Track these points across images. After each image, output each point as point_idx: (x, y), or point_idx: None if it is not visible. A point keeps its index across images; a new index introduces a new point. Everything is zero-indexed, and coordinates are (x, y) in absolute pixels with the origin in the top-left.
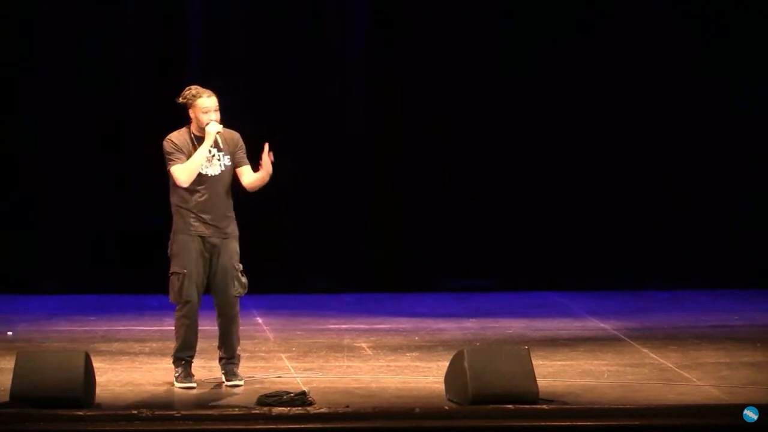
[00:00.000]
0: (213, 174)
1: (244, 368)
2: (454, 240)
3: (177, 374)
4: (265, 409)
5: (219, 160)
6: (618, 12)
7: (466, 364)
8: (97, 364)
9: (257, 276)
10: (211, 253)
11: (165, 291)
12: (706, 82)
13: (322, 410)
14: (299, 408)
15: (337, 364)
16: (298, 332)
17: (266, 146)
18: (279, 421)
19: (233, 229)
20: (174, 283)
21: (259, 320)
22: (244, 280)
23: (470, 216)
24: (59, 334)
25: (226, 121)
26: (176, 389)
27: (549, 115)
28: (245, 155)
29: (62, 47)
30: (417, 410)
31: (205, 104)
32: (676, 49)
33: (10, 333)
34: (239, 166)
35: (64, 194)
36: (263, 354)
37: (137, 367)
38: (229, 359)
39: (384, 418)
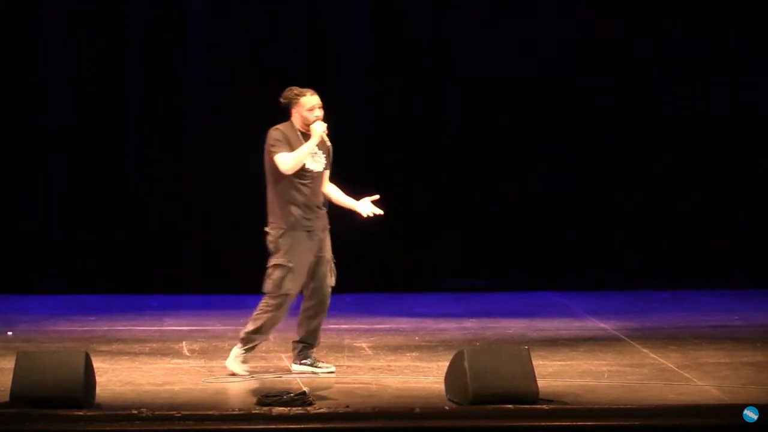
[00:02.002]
0: (317, 170)
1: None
2: (454, 240)
3: (241, 356)
4: (265, 409)
5: (320, 157)
6: (618, 12)
7: (466, 364)
8: (97, 364)
9: (257, 276)
10: (316, 246)
11: (165, 291)
12: (706, 82)
13: (322, 410)
14: (299, 408)
15: (337, 364)
16: None
17: (376, 197)
18: (279, 421)
19: (328, 222)
20: (276, 274)
21: None
22: (335, 271)
23: (470, 216)
24: (59, 334)
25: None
26: (177, 389)
27: (549, 115)
28: (330, 159)
29: (62, 47)
30: (417, 410)
31: (310, 102)
32: (676, 49)
33: (10, 333)
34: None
35: (64, 194)
36: (263, 354)
37: (137, 367)
38: (310, 346)
39: (384, 418)
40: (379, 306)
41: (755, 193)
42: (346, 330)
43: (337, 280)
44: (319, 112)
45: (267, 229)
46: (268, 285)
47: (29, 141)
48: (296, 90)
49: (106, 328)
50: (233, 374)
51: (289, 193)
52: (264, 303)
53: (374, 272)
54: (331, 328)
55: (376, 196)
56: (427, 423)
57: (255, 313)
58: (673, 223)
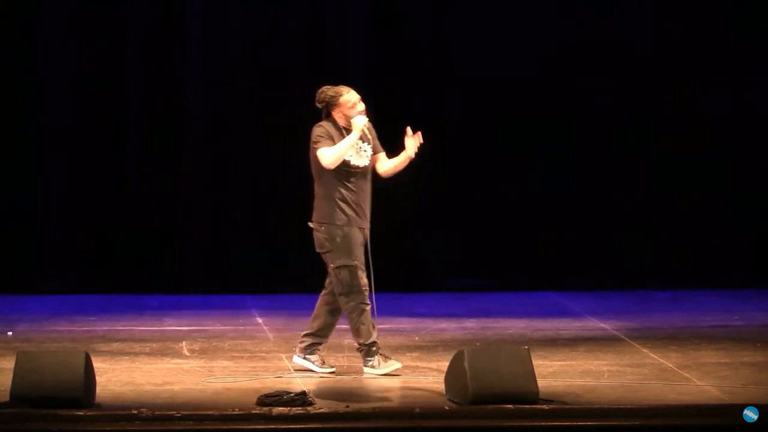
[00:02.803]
0: (363, 165)
1: (244, 368)
2: (454, 240)
3: (375, 363)
4: (265, 409)
5: (365, 151)
6: (618, 12)
7: (466, 364)
8: (97, 364)
9: (257, 276)
10: (364, 244)
11: (165, 291)
12: (706, 82)
13: (322, 410)
14: (299, 408)
15: (337, 364)
16: (298, 332)
17: (409, 129)
18: (279, 421)
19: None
20: (345, 275)
21: (259, 320)
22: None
23: (470, 216)
24: (59, 334)
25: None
26: (177, 389)
27: (549, 115)
28: (378, 141)
29: (62, 47)
30: (417, 410)
31: (351, 99)
32: (676, 49)
33: (10, 333)
34: (375, 153)
35: (64, 194)
36: (263, 354)
37: (137, 367)
38: (320, 342)
39: (384, 418)
40: (379, 306)
41: (755, 193)
42: (346, 330)
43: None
44: (361, 107)
45: (313, 225)
46: (339, 287)
47: (29, 141)
48: (331, 91)
49: (106, 328)
50: (389, 374)
51: (336, 189)
52: (350, 310)
53: (374, 272)
54: None
55: (409, 130)
56: (427, 423)
57: (351, 324)
58: (673, 223)
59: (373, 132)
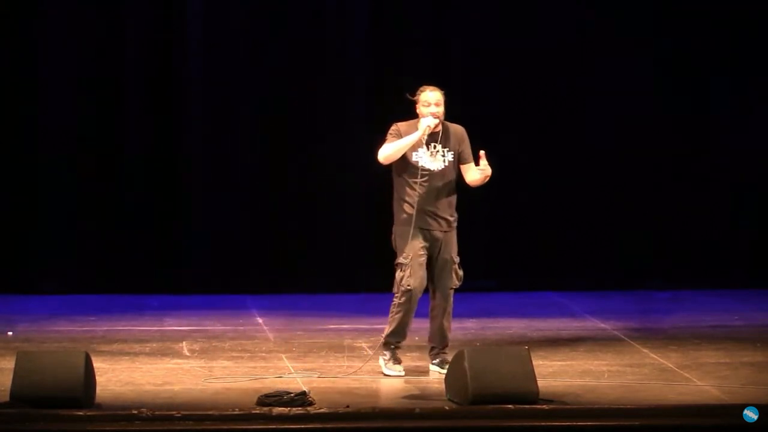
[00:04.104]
0: (436, 169)
1: (244, 368)
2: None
3: (386, 358)
4: (265, 409)
5: (443, 156)
6: (618, 13)
7: (466, 364)
8: (97, 364)
9: (257, 276)
10: (432, 245)
11: (165, 291)
12: (706, 82)
13: (322, 410)
14: (299, 408)
15: (337, 364)
16: (298, 332)
17: (482, 153)
18: (279, 421)
19: (454, 222)
20: (397, 273)
21: (259, 320)
22: (460, 272)
23: (470, 216)
24: (59, 334)
25: (225, 116)
26: (177, 389)
27: (549, 116)
28: (470, 151)
29: (62, 47)
30: (417, 410)
31: (425, 97)
32: (675, 48)
33: (10, 333)
34: (464, 163)
35: (64, 194)
36: (263, 354)
37: (137, 367)
38: (441, 349)
39: (384, 418)
40: (379, 306)
41: (755, 193)
42: (346, 330)
43: (339, 280)
44: (435, 108)
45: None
46: (395, 285)
47: (29, 141)
48: (422, 87)
49: (106, 328)
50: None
51: (403, 190)
52: (393, 304)
53: (374, 272)
54: (331, 328)
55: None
56: (427, 423)
57: (389, 316)
58: (673, 223)
59: (466, 140)
